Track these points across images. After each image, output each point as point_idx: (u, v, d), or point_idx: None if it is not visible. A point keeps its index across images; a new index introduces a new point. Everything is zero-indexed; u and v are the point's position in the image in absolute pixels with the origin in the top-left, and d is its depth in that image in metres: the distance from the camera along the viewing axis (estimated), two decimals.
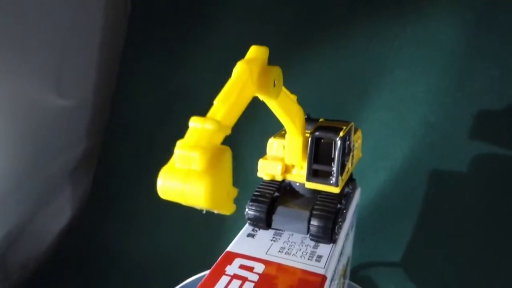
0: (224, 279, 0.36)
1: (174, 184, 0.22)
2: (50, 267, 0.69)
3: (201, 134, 0.23)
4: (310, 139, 0.41)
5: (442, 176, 0.61)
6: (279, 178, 0.43)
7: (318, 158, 0.42)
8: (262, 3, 0.73)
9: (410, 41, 0.63)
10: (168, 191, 0.23)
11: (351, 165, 0.46)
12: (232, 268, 0.38)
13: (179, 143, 0.23)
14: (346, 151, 0.43)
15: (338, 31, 0.69)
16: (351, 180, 0.49)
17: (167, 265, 0.73)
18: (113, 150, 0.77)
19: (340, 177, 0.41)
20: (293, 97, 0.38)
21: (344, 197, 0.45)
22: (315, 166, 0.41)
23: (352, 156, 0.47)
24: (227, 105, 0.26)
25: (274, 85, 0.29)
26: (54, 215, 0.64)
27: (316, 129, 0.41)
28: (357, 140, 0.48)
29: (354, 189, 0.50)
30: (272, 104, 0.33)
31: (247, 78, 0.27)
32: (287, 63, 0.69)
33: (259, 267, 0.38)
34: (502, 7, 0.58)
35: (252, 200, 0.43)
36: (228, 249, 0.41)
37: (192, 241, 0.76)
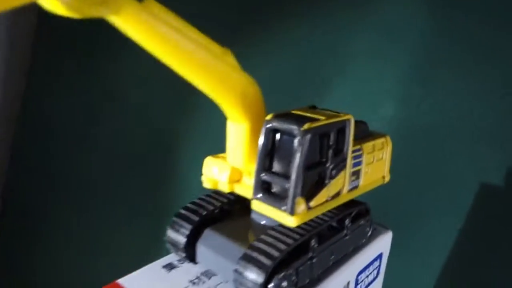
0: None
1: None
2: None
3: None
4: (262, 130, 0.25)
5: (409, 182, 0.53)
6: (225, 189, 0.28)
7: (277, 164, 0.25)
8: None
9: (372, 25, 0.54)
10: None
11: (347, 187, 0.28)
12: None
13: None
14: (323, 158, 0.25)
15: (290, 12, 0.55)
16: (357, 216, 0.30)
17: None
18: (25, 160, 0.67)
19: (300, 201, 0.24)
20: (222, 51, 0.23)
21: (321, 237, 0.27)
22: (268, 177, 0.25)
23: (357, 173, 0.28)
24: None
25: None
26: None
27: (274, 117, 0.25)
28: (375, 150, 0.30)
29: (364, 230, 0.31)
30: (136, 36, 0.19)
31: None
32: (234, 49, 0.55)
33: None
34: None
35: (176, 215, 0.29)
36: (119, 280, 0.27)
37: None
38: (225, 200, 0.30)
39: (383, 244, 0.34)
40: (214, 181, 0.29)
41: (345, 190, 0.27)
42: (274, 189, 0.25)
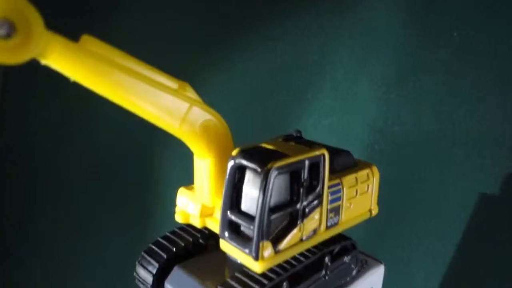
0: None
1: None
2: None
3: None
4: (228, 167, 0.23)
5: (397, 192, 0.51)
6: (196, 223, 0.27)
7: (245, 202, 0.24)
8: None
9: (350, 31, 0.51)
10: None
11: (325, 225, 0.25)
12: None
13: None
14: (294, 197, 0.23)
15: (264, 18, 0.53)
16: (341, 253, 0.28)
17: None
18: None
19: (265, 246, 0.22)
20: (179, 85, 0.21)
21: (296, 279, 0.25)
22: (233, 216, 0.23)
23: (336, 209, 0.26)
24: None
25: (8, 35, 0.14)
26: None
27: (240, 152, 0.23)
28: (358, 182, 0.28)
29: (348, 268, 0.29)
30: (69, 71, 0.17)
31: None
32: (203, 65, 0.54)
33: None
34: None
35: (146, 251, 0.27)
36: None
37: None
38: (198, 235, 0.28)
39: (374, 278, 0.32)
40: (186, 214, 0.27)
41: (322, 228, 0.25)
42: (242, 228, 0.24)
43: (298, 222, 0.24)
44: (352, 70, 0.52)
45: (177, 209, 0.28)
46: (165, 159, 0.58)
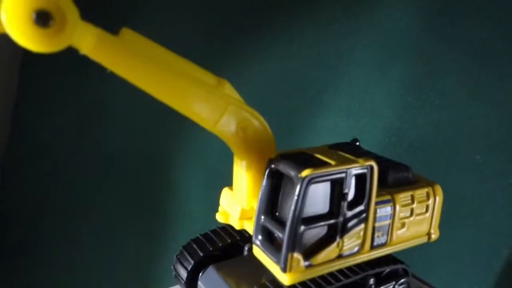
0: None
1: None
2: None
3: None
4: (265, 171, 0.22)
5: None
6: (235, 225, 0.26)
7: (281, 208, 0.22)
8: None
9: (366, 34, 0.50)
10: None
11: (369, 244, 0.23)
12: None
13: None
14: (334, 209, 0.21)
15: (280, 20, 0.51)
16: (389, 277, 0.25)
17: None
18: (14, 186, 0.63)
19: (295, 258, 0.20)
20: (218, 82, 0.21)
21: None
22: (267, 223, 0.22)
23: (385, 228, 0.24)
24: None
25: (39, 22, 0.15)
26: None
27: (278, 157, 0.22)
28: (415, 201, 0.25)
29: None
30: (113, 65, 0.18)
31: None
32: (220, 63, 0.51)
33: None
34: None
35: (184, 246, 0.27)
36: None
37: None
38: (238, 236, 0.28)
39: None
40: (227, 215, 0.27)
41: (366, 247, 0.23)
42: (276, 235, 0.22)
43: (337, 237, 0.22)
44: (369, 72, 0.51)
45: (220, 208, 0.27)
46: (183, 161, 0.57)
